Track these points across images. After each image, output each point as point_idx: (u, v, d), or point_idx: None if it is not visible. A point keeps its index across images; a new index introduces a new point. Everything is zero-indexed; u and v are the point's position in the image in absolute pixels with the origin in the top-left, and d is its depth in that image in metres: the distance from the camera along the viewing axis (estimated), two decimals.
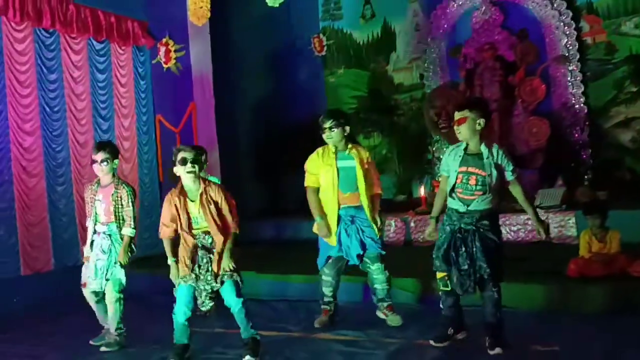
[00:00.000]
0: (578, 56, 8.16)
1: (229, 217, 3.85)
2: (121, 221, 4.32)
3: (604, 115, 8.22)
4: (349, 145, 4.39)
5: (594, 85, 8.21)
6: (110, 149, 4.40)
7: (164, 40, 7.68)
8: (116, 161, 4.39)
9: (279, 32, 9.79)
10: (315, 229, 4.49)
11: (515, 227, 6.81)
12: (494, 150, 3.67)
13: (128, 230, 4.31)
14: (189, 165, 3.75)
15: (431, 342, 3.79)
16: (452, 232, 3.67)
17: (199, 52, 7.85)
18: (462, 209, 3.66)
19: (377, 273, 4.37)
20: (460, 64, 8.47)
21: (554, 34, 8.27)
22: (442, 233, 3.76)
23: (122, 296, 4.39)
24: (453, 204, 3.72)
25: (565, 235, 6.48)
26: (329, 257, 4.48)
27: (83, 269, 4.47)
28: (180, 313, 3.85)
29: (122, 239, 4.31)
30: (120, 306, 4.39)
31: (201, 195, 3.82)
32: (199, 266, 3.84)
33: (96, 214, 4.35)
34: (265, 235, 8.13)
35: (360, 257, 4.36)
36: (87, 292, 4.44)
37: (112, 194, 4.31)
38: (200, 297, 3.84)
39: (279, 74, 9.69)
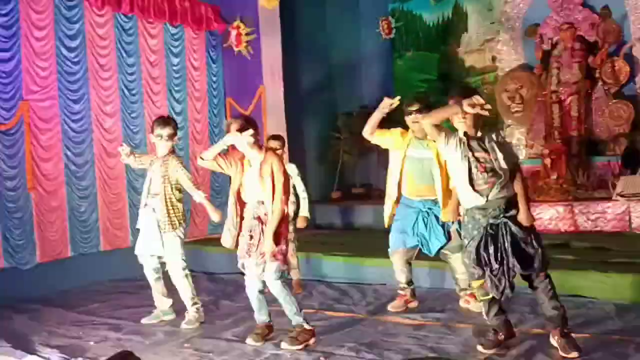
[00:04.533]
0: None
1: (278, 192, 3.71)
2: (173, 193, 4.40)
3: None
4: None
5: None
6: (175, 124, 4.54)
7: (235, 24, 7.81)
8: (176, 138, 4.54)
9: (347, 15, 9.73)
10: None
11: (593, 216, 6.51)
12: (493, 134, 3.47)
13: (198, 194, 4.37)
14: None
15: (479, 347, 3.50)
16: (480, 233, 3.37)
17: (269, 36, 7.92)
18: (481, 202, 3.36)
19: (458, 263, 4.25)
20: (536, 45, 8.12)
21: (638, 11, 7.77)
22: (469, 237, 3.44)
23: (187, 272, 4.48)
24: (471, 200, 3.41)
25: None
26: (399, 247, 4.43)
27: (137, 244, 4.58)
28: (250, 285, 3.88)
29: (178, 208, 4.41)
30: (189, 281, 4.49)
31: (262, 163, 3.78)
32: (251, 236, 3.79)
33: (149, 185, 4.47)
34: (330, 219, 8.17)
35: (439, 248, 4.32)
36: (147, 271, 4.57)
37: (161, 167, 4.42)
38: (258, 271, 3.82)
39: (347, 58, 9.64)
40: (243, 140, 3.72)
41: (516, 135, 8.32)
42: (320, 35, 9.21)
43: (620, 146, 7.24)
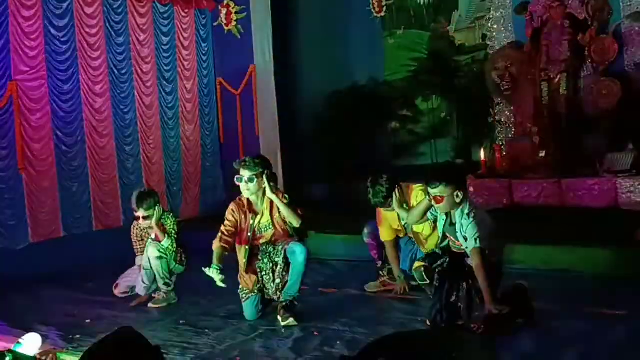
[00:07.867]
0: None
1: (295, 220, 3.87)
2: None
3: None
4: None
5: None
6: (152, 200, 4.50)
7: (225, 2, 7.75)
8: (154, 215, 4.48)
9: None
10: None
11: (580, 192, 6.61)
12: (465, 221, 3.41)
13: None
14: (243, 185, 3.85)
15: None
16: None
17: (260, 15, 7.88)
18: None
19: None
20: (526, 23, 8.12)
21: None
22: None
23: (164, 256, 4.50)
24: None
25: (635, 201, 6.23)
26: None
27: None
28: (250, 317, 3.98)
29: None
30: (164, 263, 4.50)
31: (271, 208, 3.90)
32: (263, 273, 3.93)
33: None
34: (324, 197, 8.20)
35: None
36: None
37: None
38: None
39: (337, 36, 9.60)
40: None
41: (505, 113, 8.38)
42: (312, 13, 9.15)
43: (608, 123, 7.32)
